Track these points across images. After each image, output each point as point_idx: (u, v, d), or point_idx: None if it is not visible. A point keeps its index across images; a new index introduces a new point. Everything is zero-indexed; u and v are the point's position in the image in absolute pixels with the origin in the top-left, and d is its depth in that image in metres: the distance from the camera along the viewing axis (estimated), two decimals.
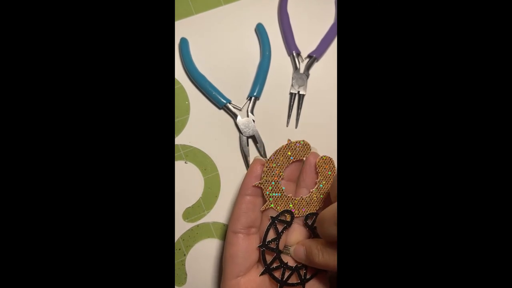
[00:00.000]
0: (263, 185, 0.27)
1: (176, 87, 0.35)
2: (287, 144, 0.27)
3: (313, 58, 0.37)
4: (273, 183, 0.27)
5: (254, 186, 0.27)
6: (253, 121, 0.35)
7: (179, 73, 0.36)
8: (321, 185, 0.27)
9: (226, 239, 0.28)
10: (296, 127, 0.36)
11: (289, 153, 0.27)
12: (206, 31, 0.37)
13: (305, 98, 0.36)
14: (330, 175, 0.27)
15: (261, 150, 0.34)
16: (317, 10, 0.39)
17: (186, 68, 0.35)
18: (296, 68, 0.37)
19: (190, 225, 0.33)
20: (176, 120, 0.34)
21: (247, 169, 0.32)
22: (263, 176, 0.27)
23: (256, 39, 0.37)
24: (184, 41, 0.36)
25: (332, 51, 0.38)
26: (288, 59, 0.37)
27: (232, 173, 0.34)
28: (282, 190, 0.27)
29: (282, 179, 0.28)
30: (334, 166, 0.28)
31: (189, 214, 0.33)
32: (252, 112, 0.35)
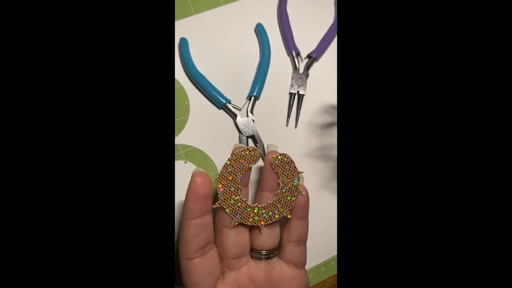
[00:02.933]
0: (224, 204, 0.26)
1: (176, 87, 0.35)
2: (235, 154, 0.26)
3: (313, 58, 0.37)
4: (232, 201, 0.26)
5: (215, 207, 0.25)
6: (253, 121, 0.35)
7: (179, 73, 0.36)
8: (284, 183, 0.26)
9: (181, 267, 0.25)
10: (295, 127, 0.36)
11: (241, 161, 0.26)
12: (206, 31, 0.37)
13: (304, 98, 0.36)
14: (289, 170, 0.26)
15: (261, 150, 0.34)
16: (317, 10, 0.39)
17: (186, 68, 0.35)
18: (295, 68, 0.37)
19: None
20: (176, 120, 0.34)
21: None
22: (220, 195, 0.26)
23: (255, 39, 0.37)
24: (184, 41, 0.36)
25: (331, 51, 0.38)
26: (287, 59, 0.37)
27: None
28: (245, 203, 0.26)
29: (240, 190, 0.26)
30: (290, 161, 0.26)
31: None
32: (251, 112, 0.35)
